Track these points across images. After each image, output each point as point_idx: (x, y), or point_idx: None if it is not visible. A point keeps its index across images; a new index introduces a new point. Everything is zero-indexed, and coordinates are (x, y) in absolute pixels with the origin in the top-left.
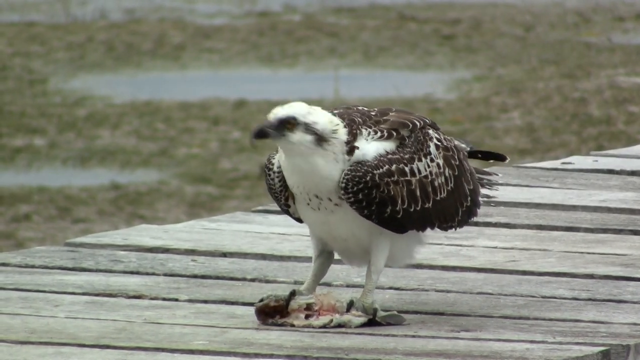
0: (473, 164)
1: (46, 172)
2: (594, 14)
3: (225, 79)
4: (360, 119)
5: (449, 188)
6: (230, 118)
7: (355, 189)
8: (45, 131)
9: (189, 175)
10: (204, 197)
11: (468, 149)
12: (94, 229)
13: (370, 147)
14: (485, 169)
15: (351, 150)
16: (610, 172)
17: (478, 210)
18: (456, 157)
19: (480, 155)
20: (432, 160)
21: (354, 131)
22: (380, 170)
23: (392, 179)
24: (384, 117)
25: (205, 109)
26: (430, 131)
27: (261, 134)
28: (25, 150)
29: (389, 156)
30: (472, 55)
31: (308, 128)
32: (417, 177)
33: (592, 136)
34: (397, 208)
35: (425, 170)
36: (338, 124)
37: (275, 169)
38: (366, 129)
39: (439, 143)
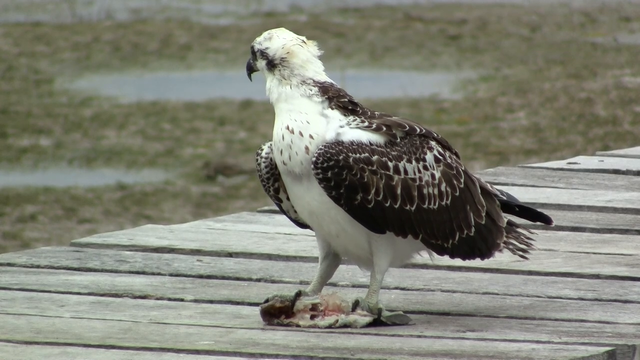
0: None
1: (52, 173)
2: (600, 14)
3: (231, 79)
4: (354, 107)
5: (444, 204)
6: (236, 118)
7: (325, 165)
8: (51, 131)
9: (195, 176)
10: (210, 197)
11: (502, 197)
12: (100, 229)
13: (351, 132)
14: (520, 227)
15: (338, 106)
16: (616, 172)
17: (490, 253)
18: (462, 180)
19: (517, 209)
20: (425, 167)
21: (330, 96)
22: (357, 155)
23: (370, 167)
24: (384, 116)
25: (211, 109)
26: (433, 143)
27: (248, 67)
28: (31, 151)
29: (372, 147)
30: (478, 55)
31: (262, 53)
32: (402, 176)
33: (598, 136)
34: (369, 197)
35: (414, 174)
36: (291, 49)
37: (263, 154)
38: (354, 117)
39: (440, 157)
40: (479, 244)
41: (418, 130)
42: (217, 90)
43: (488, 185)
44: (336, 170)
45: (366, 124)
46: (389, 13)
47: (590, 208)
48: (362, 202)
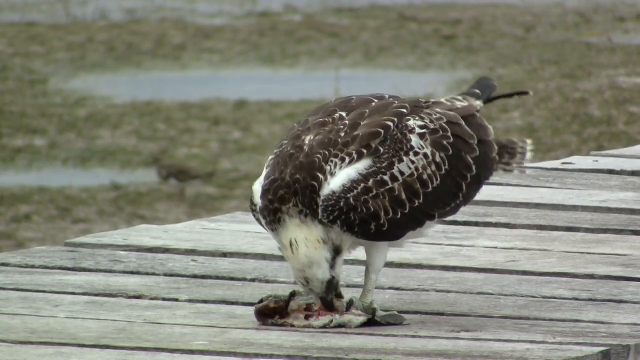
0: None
1: (46, 172)
2: (595, 14)
3: (225, 79)
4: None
5: (443, 171)
6: (230, 118)
7: (331, 217)
8: (45, 131)
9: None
10: (204, 197)
11: (480, 102)
12: (94, 229)
13: (337, 178)
14: (511, 139)
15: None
16: (611, 172)
17: (491, 173)
18: (449, 133)
19: (497, 97)
20: (415, 154)
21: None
22: (354, 192)
23: (370, 194)
24: (354, 132)
25: (205, 109)
26: (410, 122)
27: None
28: (25, 151)
29: (363, 173)
30: (473, 55)
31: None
32: (400, 180)
33: (593, 136)
34: (381, 221)
35: (409, 169)
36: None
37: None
38: (332, 161)
39: (424, 130)
40: (482, 175)
41: (391, 125)
42: (212, 90)
43: (464, 102)
44: (343, 217)
45: (346, 160)
46: (383, 13)
47: (585, 208)
48: (377, 227)
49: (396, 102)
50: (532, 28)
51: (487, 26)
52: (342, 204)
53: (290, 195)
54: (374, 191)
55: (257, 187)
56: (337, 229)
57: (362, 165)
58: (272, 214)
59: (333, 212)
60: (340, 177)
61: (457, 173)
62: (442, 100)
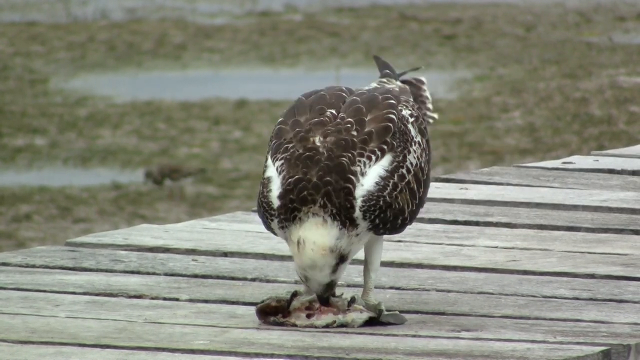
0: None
1: (47, 172)
2: (595, 13)
3: (226, 78)
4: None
5: (427, 157)
6: (231, 118)
7: (372, 216)
8: (46, 131)
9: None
10: (205, 197)
11: (399, 83)
12: (95, 228)
13: (370, 177)
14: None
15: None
16: (611, 171)
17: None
18: (421, 119)
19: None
20: (414, 143)
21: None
22: (388, 189)
23: (398, 189)
24: (365, 129)
25: (206, 109)
26: (404, 112)
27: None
28: (26, 150)
29: (390, 169)
30: (473, 55)
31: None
32: (412, 172)
33: (593, 136)
34: (406, 215)
35: (415, 159)
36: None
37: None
38: (360, 161)
39: (413, 119)
40: (429, 151)
41: (395, 118)
42: (212, 90)
43: (392, 84)
44: (382, 215)
45: (373, 159)
46: (384, 13)
47: (585, 208)
48: (402, 221)
49: (377, 93)
50: (532, 28)
51: (487, 26)
52: (381, 202)
53: (317, 196)
54: (399, 186)
55: (275, 193)
56: (362, 229)
57: (387, 162)
58: (288, 213)
59: (374, 212)
60: (372, 177)
61: (430, 158)
62: (375, 85)
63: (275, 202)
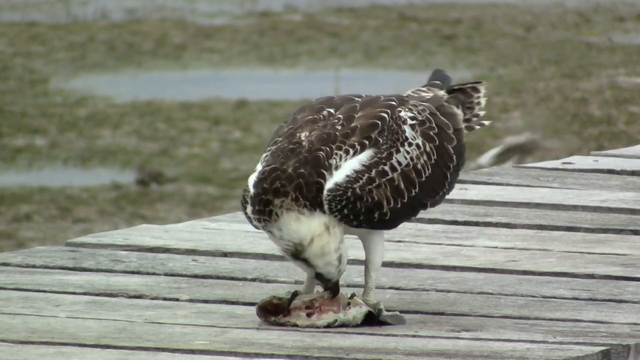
0: None
1: (47, 172)
2: (595, 14)
3: (226, 79)
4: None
5: (433, 161)
6: (231, 118)
7: (338, 207)
8: (46, 131)
9: (189, 175)
10: (205, 197)
11: (444, 92)
12: (95, 229)
13: (341, 171)
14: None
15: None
16: (611, 172)
17: (465, 155)
18: (434, 124)
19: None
20: (410, 144)
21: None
22: (360, 182)
23: (374, 184)
24: (351, 125)
25: (206, 109)
26: (402, 113)
27: None
28: (26, 150)
29: (368, 163)
30: (473, 55)
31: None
32: (399, 171)
33: (593, 136)
34: (384, 210)
35: (405, 159)
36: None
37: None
38: (336, 155)
39: (414, 122)
40: (460, 163)
41: (387, 116)
42: (212, 90)
43: (430, 93)
44: (350, 206)
45: (351, 152)
46: (384, 13)
47: (585, 208)
48: (380, 216)
49: (382, 96)
50: (532, 28)
51: (487, 26)
52: (349, 193)
53: (289, 189)
54: (377, 181)
55: (251, 181)
56: (333, 221)
57: (365, 156)
58: (262, 205)
59: (340, 202)
60: (344, 170)
61: (443, 163)
62: (410, 92)
63: (251, 190)
